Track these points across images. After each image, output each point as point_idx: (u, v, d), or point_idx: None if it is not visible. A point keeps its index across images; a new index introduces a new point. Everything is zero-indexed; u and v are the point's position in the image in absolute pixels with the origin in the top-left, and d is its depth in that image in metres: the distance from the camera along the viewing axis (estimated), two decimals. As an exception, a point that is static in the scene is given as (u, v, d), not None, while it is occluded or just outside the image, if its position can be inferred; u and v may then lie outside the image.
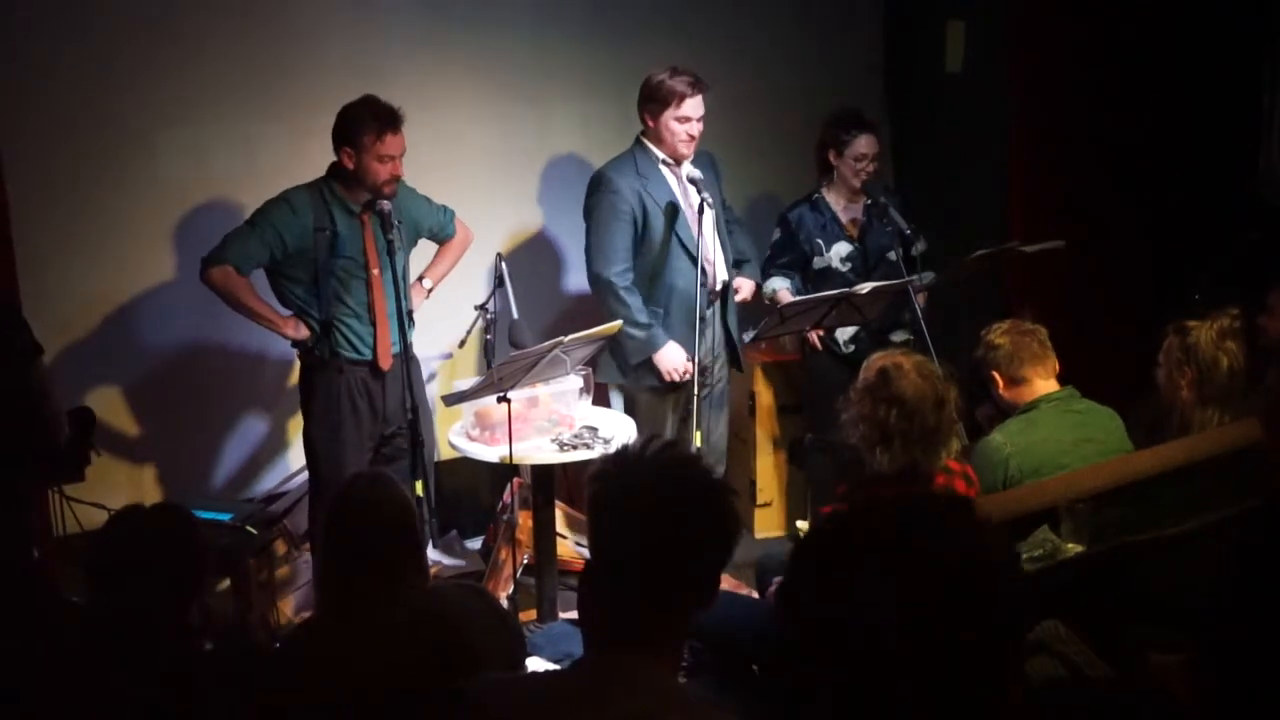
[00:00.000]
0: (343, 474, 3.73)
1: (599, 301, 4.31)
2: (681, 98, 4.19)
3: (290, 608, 4.21)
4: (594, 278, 4.29)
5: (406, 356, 3.85)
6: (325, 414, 3.99)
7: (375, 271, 3.94)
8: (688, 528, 1.64)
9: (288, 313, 3.97)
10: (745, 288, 4.49)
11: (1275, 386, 2.40)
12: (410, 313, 4.02)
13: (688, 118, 4.21)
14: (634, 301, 4.23)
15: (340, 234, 3.88)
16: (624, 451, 1.72)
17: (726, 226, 4.46)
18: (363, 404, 4.01)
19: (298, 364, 4.13)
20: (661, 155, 4.27)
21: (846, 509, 1.27)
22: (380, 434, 4.08)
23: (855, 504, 1.28)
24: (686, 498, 1.65)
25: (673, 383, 4.27)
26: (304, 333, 3.96)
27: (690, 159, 4.30)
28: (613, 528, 1.68)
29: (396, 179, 3.88)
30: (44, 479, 3.61)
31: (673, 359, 4.25)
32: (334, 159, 3.88)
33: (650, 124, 4.27)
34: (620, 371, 4.38)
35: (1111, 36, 4.97)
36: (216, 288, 3.85)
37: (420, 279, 4.23)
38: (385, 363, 3.99)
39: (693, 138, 4.24)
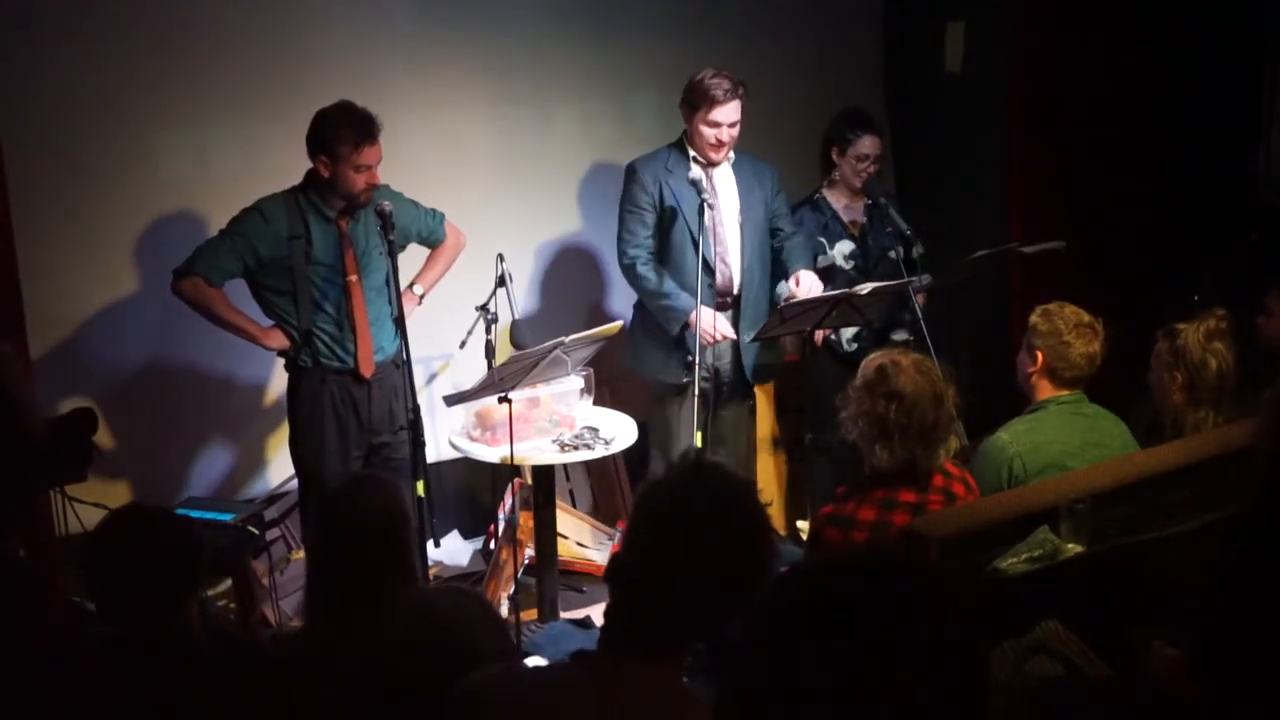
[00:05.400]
0: (328, 483, 3.68)
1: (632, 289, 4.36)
2: (713, 102, 4.12)
3: (290, 607, 4.21)
4: (621, 266, 4.34)
5: (407, 362, 3.79)
6: (309, 423, 3.95)
7: (353, 278, 3.88)
8: (721, 547, 1.67)
9: (269, 323, 3.93)
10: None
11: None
12: (398, 320, 3.95)
13: (717, 123, 4.14)
14: (651, 275, 4.22)
15: (315, 241, 3.83)
16: (679, 465, 1.78)
17: (774, 238, 4.41)
18: (347, 413, 3.97)
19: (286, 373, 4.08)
20: (698, 155, 4.22)
21: (800, 574, 1.26)
22: (368, 443, 4.04)
23: (808, 573, 1.27)
24: (727, 520, 1.69)
25: (686, 381, 4.13)
26: (284, 343, 3.92)
27: (728, 163, 4.27)
28: (652, 538, 1.72)
29: (373, 187, 3.83)
30: (35, 478, 3.57)
31: (706, 321, 4.07)
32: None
33: (685, 123, 4.25)
34: (638, 359, 4.41)
35: (1112, 37, 4.97)
36: (187, 300, 3.82)
37: (411, 285, 4.16)
38: (367, 370, 3.95)
39: (721, 143, 4.18)
